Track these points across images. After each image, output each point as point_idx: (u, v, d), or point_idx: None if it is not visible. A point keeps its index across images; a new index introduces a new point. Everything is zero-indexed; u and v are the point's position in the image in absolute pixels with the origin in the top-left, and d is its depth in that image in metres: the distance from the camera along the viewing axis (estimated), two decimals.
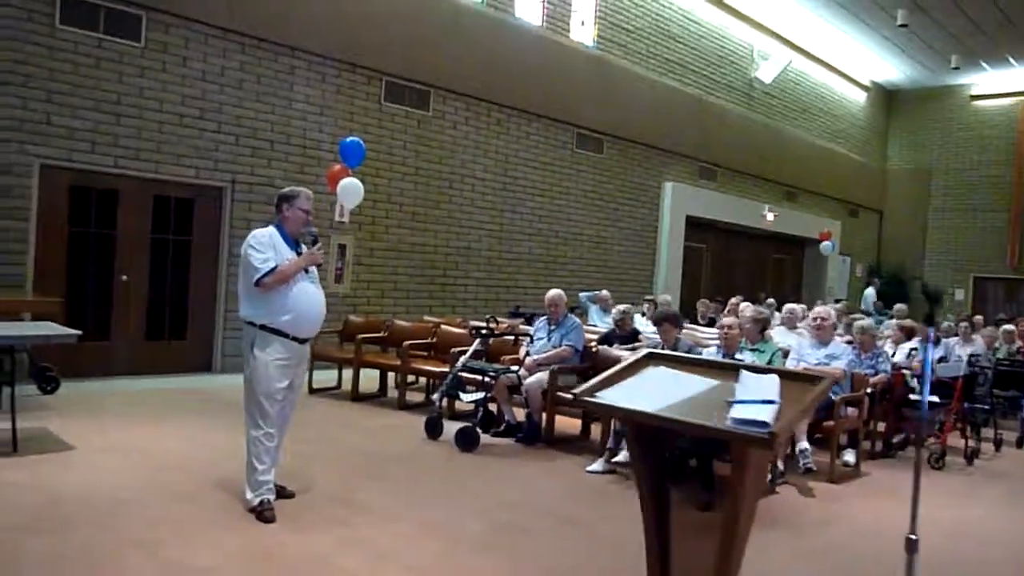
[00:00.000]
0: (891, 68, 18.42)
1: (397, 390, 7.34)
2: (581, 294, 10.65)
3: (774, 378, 2.18)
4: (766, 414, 1.98)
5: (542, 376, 6.08)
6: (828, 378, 2.31)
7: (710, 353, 5.56)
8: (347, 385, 7.65)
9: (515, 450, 5.94)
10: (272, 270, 3.99)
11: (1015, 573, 4.27)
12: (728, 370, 2.38)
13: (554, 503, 4.72)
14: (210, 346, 8.38)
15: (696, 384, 2.24)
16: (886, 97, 20.30)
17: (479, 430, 5.80)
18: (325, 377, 7.77)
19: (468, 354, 6.20)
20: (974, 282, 19.06)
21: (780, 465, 5.39)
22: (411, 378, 7.46)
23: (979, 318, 11.71)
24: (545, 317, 6.53)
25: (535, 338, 6.34)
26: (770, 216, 15.95)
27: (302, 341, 4.20)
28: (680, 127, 13.80)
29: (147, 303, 7.95)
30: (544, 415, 6.17)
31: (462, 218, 10.59)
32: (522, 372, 6.06)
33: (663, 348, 5.81)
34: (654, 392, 2.19)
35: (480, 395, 5.88)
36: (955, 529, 4.80)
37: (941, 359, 7.67)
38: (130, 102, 7.54)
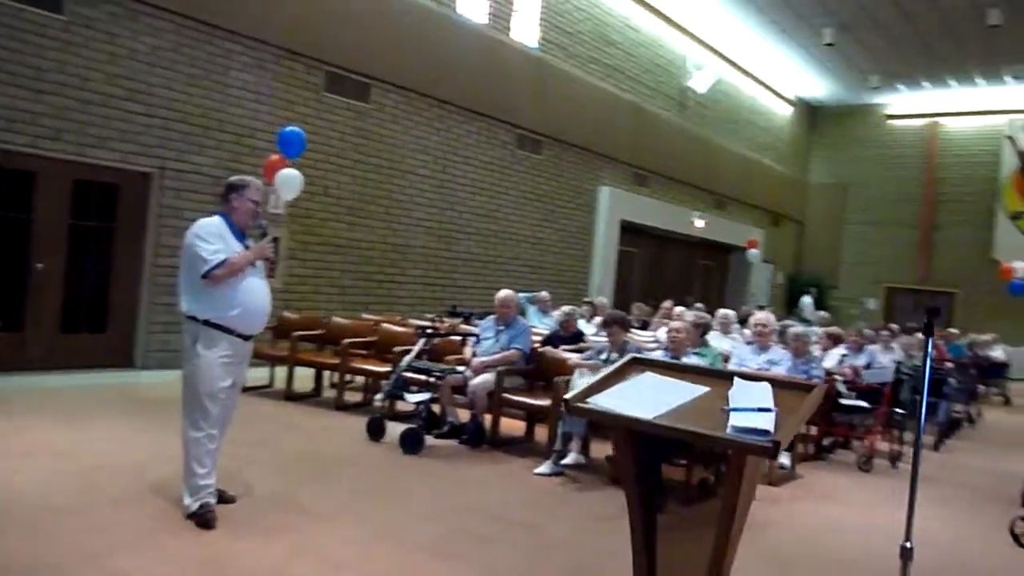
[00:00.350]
0: (815, 84, 19.13)
1: (335, 390, 7.11)
2: (519, 295, 10.58)
3: (766, 386, 2.16)
4: (765, 422, 1.95)
5: (488, 377, 5.99)
6: (821, 387, 2.30)
7: (656, 356, 5.56)
8: (280, 384, 7.38)
9: (460, 452, 5.83)
10: (222, 262, 3.77)
11: (961, 573, 4.43)
12: (714, 377, 2.35)
13: (506, 507, 4.64)
14: (131, 340, 7.94)
15: (687, 391, 2.20)
16: (809, 112, 21.09)
17: (424, 432, 5.67)
18: (256, 375, 7.44)
19: (412, 354, 6.05)
20: (886, 292, 19.97)
21: (722, 467, 5.46)
22: (347, 377, 7.25)
23: (895, 326, 12.25)
24: (492, 317, 6.44)
25: (482, 338, 6.24)
26: (700, 223, 16.33)
27: (247, 338, 4.00)
28: (617, 132, 13.96)
29: (64, 293, 7.45)
30: (489, 416, 6.08)
31: (400, 214, 10.39)
32: (468, 373, 5.95)
33: (610, 351, 5.83)
34: (648, 399, 2.14)
35: (425, 396, 5.74)
36: (899, 531, 4.96)
37: (867, 366, 7.97)
38: (52, 79, 7.05)
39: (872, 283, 20.19)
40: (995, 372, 12.15)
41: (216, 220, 3.92)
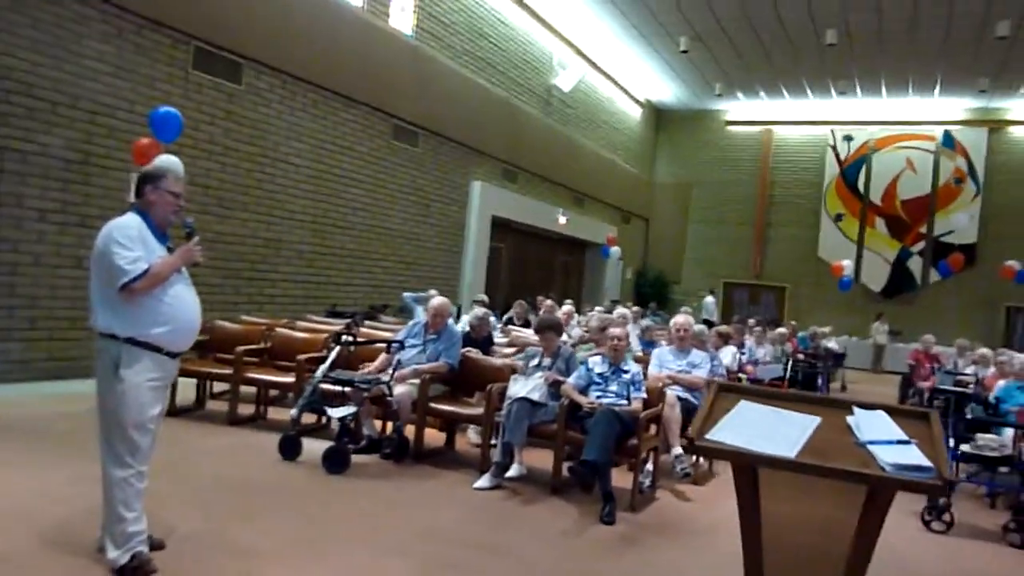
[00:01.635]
0: (665, 88, 20.02)
1: (216, 401, 6.39)
2: (405, 294, 10.17)
3: (883, 415, 2.05)
4: (916, 456, 1.83)
5: (412, 387, 5.62)
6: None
7: (595, 362, 5.45)
8: None
9: (386, 469, 5.41)
10: (145, 272, 3.17)
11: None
12: (805, 403, 2.22)
13: (464, 529, 4.33)
14: None
15: (800, 421, 2.05)
16: (656, 115, 22.05)
17: (349, 449, 5.20)
18: None
19: (328, 363, 5.53)
20: (724, 287, 21.35)
21: (650, 467, 5.45)
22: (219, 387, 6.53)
23: (752, 321, 13.05)
24: (418, 323, 6.05)
25: (406, 344, 5.83)
26: (563, 219, 16.57)
27: (176, 355, 3.41)
28: (489, 127, 13.81)
29: None
30: (411, 428, 5.70)
31: (274, 207, 9.61)
32: (393, 383, 5.54)
33: (543, 356, 5.65)
34: (768, 432, 1.96)
35: (350, 410, 5.26)
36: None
37: (752, 362, 8.36)
38: None
39: (711, 278, 21.49)
40: (837, 361, 13.29)
41: (133, 220, 3.29)
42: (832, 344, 14.44)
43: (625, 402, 5.18)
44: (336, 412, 5.22)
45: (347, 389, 5.46)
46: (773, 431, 1.97)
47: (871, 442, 1.90)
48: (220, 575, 3.35)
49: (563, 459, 5.25)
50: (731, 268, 21.28)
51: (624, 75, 18.75)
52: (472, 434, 6.46)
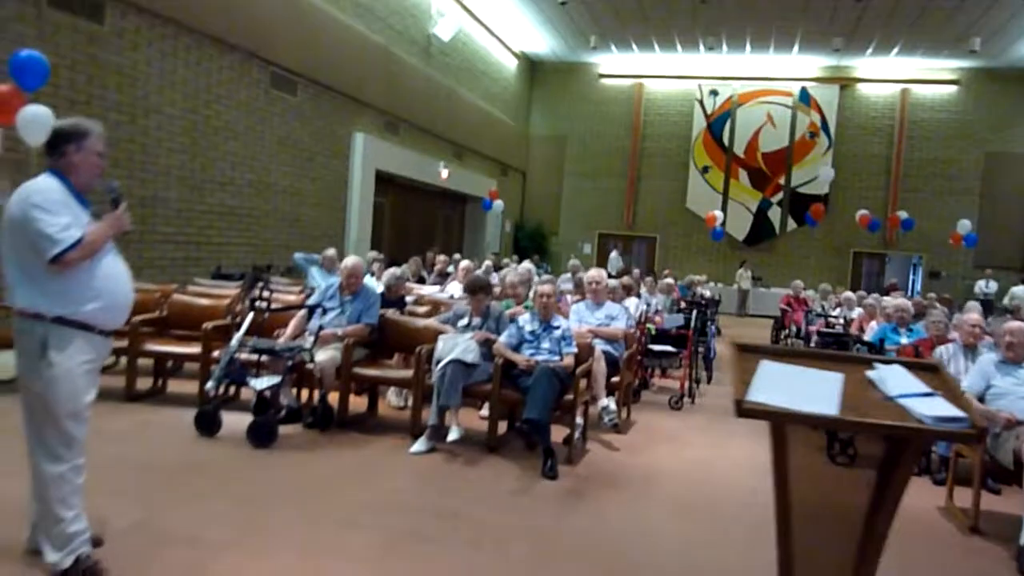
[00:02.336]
0: (540, 40, 19.96)
1: (125, 377, 5.86)
2: (295, 255, 9.71)
3: (900, 368, 2.14)
4: (947, 407, 1.93)
5: (335, 353, 5.38)
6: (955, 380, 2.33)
7: (525, 320, 5.43)
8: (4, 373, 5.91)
9: (313, 439, 5.18)
10: (79, 241, 2.80)
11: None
12: (810, 358, 2.29)
13: (413, 496, 4.23)
14: None
15: (827, 379, 2.11)
16: (530, 67, 22.00)
17: (276, 422, 4.93)
18: None
19: (242, 331, 5.18)
20: (599, 237, 21.92)
21: (580, 421, 5.54)
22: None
23: (636, 272, 13.48)
24: (333, 284, 5.76)
25: (325, 308, 5.54)
26: (445, 173, 16.32)
27: (109, 334, 3.07)
28: (369, 76, 13.25)
29: None
30: (335, 395, 5.48)
31: (146, 162, 8.80)
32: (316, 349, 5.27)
33: (471, 316, 5.56)
34: (804, 391, 2.01)
35: (275, 379, 4.96)
36: (752, 466, 5.47)
37: (655, 312, 8.65)
38: None
39: (587, 229, 21.98)
40: (714, 308, 13.99)
41: (54, 183, 2.89)
42: (707, 292, 15.21)
43: (558, 358, 5.21)
44: (259, 383, 4.91)
45: (265, 358, 5.16)
46: (807, 390, 2.01)
47: (901, 396, 1.98)
48: (173, 569, 3.10)
49: (498, 418, 5.23)
50: (605, 219, 21.84)
51: (500, 25, 18.52)
52: (392, 397, 6.32)
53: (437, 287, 9.63)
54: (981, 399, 4.61)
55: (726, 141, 20.68)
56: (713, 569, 3.60)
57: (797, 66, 19.77)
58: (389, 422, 5.83)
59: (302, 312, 5.64)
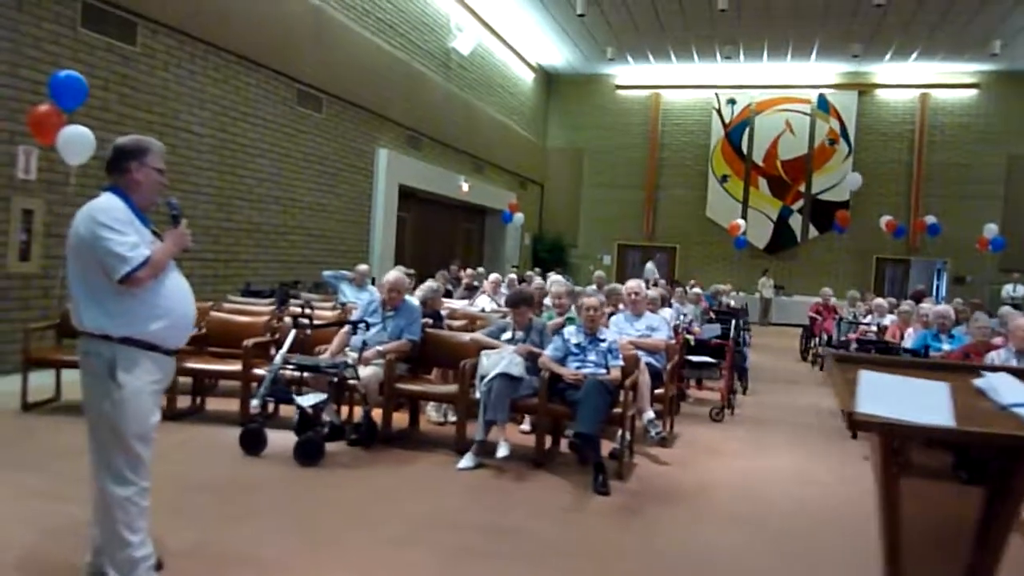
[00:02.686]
0: (556, 53, 20.00)
1: (164, 396, 5.83)
2: (324, 272, 9.70)
3: (1008, 376, 2.07)
4: None
5: (378, 368, 5.34)
6: None
7: (571, 332, 5.37)
8: (70, 394, 5.92)
9: (358, 456, 5.13)
10: (146, 260, 2.77)
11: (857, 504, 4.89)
12: (909, 367, 2.21)
13: (466, 513, 4.17)
14: None
15: (935, 389, 2.04)
16: (547, 79, 22.04)
17: (323, 440, 4.88)
18: (36, 385, 5.90)
19: (286, 347, 5.16)
20: (618, 248, 21.85)
21: (627, 436, 5.46)
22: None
23: (663, 282, 13.39)
24: (374, 300, 5.73)
25: (369, 324, 5.50)
26: (465, 187, 16.33)
27: (173, 354, 3.03)
28: (391, 92, 13.31)
29: None
30: (378, 412, 5.44)
31: (177, 179, 8.81)
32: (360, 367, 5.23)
33: (514, 330, 5.51)
34: (912, 402, 1.94)
35: (321, 397, 4.92)
36: (798, 476, 5.37)
37: (689, 323, 8.55)
38: None
39: (606, 240, 21.93)
40: (745, 317, 13.88)
41: (117, 202, 2.85)
42: (731, 301, 15.10)
43: (604, 371, 5.14)
44: (306, 400, 4.87)
45: (308, 375, 5.13)
46: (916, 400, 1.94)
47: (1017, 405, 1.91)
48: None
49: (546, 433, 5.16)
50: (625, 230, 21.77)
51: (517, 39, 18.57)
52: (432, 412, 6.26)
53: (466, 301, 9.60)
54: None
55: (745, 149, 20.60)
56: None
57: (815, 73, 19.69)
58: (431, 437, 5.77)
59: (345, 328, 5.60)
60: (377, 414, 5.42)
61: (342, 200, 12.33)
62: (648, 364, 5.84)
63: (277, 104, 10.53)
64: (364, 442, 5.28)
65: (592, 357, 5.22)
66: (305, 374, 5.10)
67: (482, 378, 5.13)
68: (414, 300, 6.03)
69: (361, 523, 3.89)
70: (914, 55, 17.85)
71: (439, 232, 16.89)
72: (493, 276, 9.85)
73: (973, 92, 18.93)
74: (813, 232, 20.13)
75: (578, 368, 5.15)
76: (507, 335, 5.47)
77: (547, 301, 6.88)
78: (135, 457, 2.84)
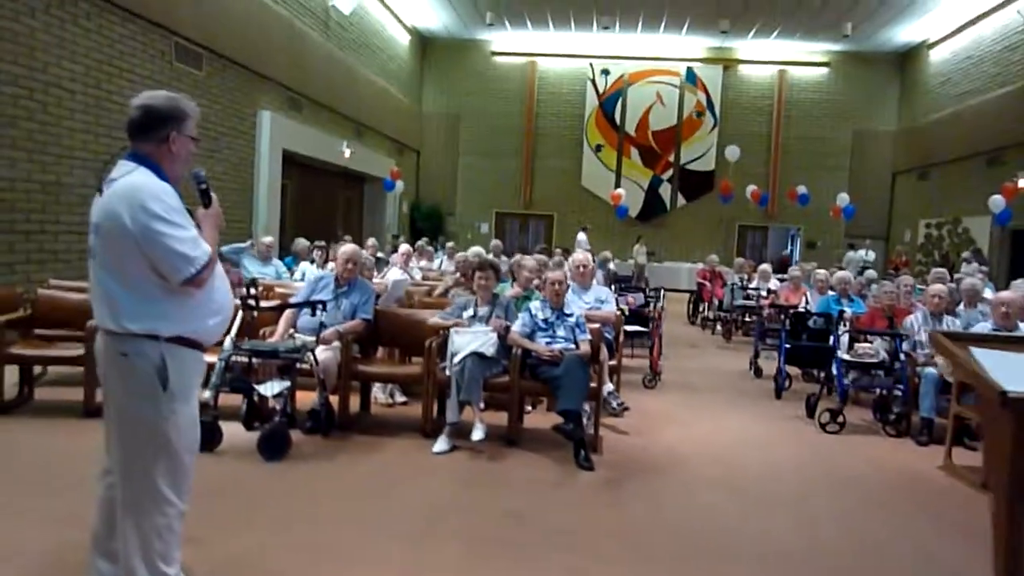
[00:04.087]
0: (433, 16, 19.45)
1: (82, 390, 5.17)
2: (222, 248, 8.94)
3: None
4: None
5: (335, 350, 5.00)
6: None
7: (537, 307, 5.25)
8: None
9: (321, 445, 4.80)
10: (211, 259, 2.41)
11: (799, 457, 5.16)
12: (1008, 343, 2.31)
13: (467, 499, 4.01)
14: None
15: None
16: (423, 43, 21.44)
17: (288, 430, 4.51)
18: None
19: (234, 331, 4.70)
20: (496, 217, 21.85)
21: (588, 408, 5.45)
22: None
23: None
24: (325, 276, 5.33)
25: (326, 304, 5.11)
26: (347, 152, 15.65)
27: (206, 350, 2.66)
28: (273, 50, 12.42)
29: None
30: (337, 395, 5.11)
31: (48, 142, 7.80)
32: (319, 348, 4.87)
33: (477, 305, 5.32)
34: None
35: (286, 384, 4.53)
36: (753, 440, 5.60)
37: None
38: None
39: (484, 208, 21.85)
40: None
41: (164, 184, 2.39)
42: (613, 267, 15.53)
43: (574, 346, 5.09)
44: (268, 389, 4.47)
45: (257, 361, 4.70)
46: None
47: None
48: None
49: (519, 412, 5.06)
50: (503, 198, 21.77)
51: None
52: (379, 393, 5.97)
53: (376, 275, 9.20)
54: None
55: (618, 120, 21.09)
56: (789, 541, 3.62)
57: (685, 47, 20.42)
58: (388, 420, 5.52)
59: (289, 310, 5.19)
60: (334, 399, 5.10)
61: (224, 166, 11.42)
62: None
63: (155, 59, 9.52)
64: (322, 429, 4.94)
65: (561, 332, 5.15)
66: (260, 360, 4.67)
67: (452, 357, 4.94)
68: (363, 279, 5.68)
69: (364, 520, 3.63)
70: (775, 33, 18.90)
71: (320, 200, 16.11)
72: (404, 247, 9.49)
73: (824, 71, 20.37)
74: (681, 200, 21.04)
75: (548, 344, 5.07)
76: (469, 312, 5.27)
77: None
78: (183, 473, 2.47)
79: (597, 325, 5.50)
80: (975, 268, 12.85)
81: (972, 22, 16.24)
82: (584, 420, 5.13)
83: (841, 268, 13.68)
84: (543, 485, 4.30)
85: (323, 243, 9.29)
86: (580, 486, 4.34)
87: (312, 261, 8.86)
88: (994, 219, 13.61)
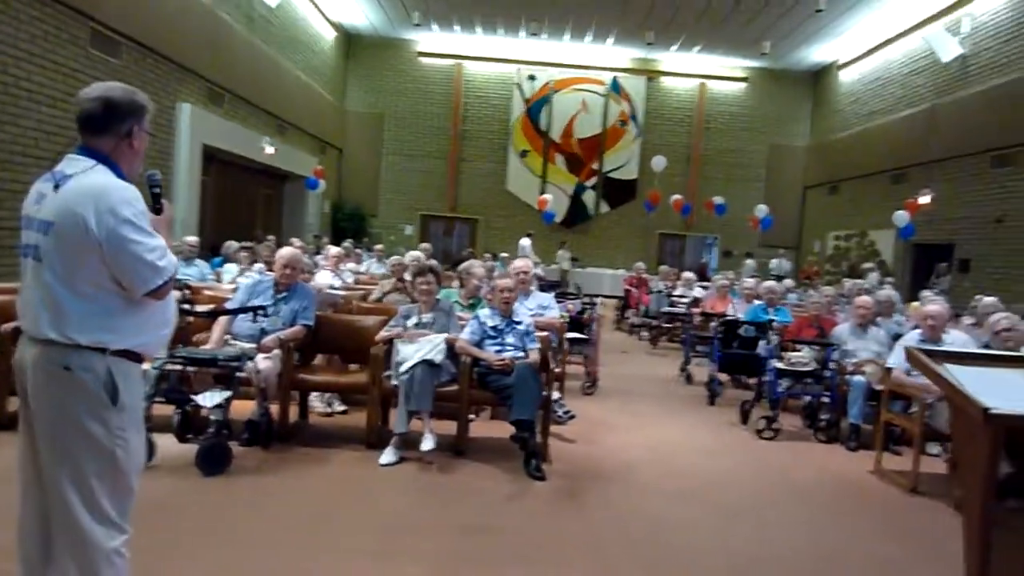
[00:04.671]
0: (359, 13, 19.10)
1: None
2: None
3: None
4: None
5: (277, 358, 4.79)
6: None
7: (486, 315, 5.18)
8: None
9: (262, 458, 4.58)
10: (176, 269, 2.28)
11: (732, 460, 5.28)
12: (980, 360, 2.41)
13: (424, 513, 3.89)
14: None
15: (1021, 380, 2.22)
16: (347, 40, 21.02)
17: (228, 443, 4.28)
18: None
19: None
20: (421, 219, 21.63)
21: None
22: None
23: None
24: (263, 280, 5.10)
25: (267, 310, 4.88)
26: (270, 149, 15.17)
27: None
28: (195, 41, 11.92)
29: None
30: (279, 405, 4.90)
31: None
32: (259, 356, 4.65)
33: (420, 312, 5.20)
34: (1018, 394, 2.09)
35: (226, 394, 4.29)
36: (695, 446, 5.69)
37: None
38: None
39: (409, 211, 21.59)
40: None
41: (131, 187, 2.20)
42: (539, 271, 15.62)
43: (523, 354, 5.05)
44: (207, 399, 4.23)
45: (191, 370, 4.45)
46: (1019, 393, 2.10)
47: None
48: None
49: (468, 421, 4.97)
50: (427, 200, 21.57)
51: None
52: (316, 403, 5.76)
53: None
54: (908, 374, 5.16)
55: (544, 126, 21.24)
56: (752, 550, 3.68)
57: (610, 56, 20.76)
58: (328, 431, 5.33)
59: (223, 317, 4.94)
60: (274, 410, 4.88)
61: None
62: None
63: (68, 45, 8.95)
64: (262, 441, 4.73)
65: (510, 340, 5.10)
66: (196, 369, 4.42)
67: (398, 365, 4.81)
68: (305, 284, 5.46)
69: (317, 537, 3.48)
70: (698, 48, 19.45)
71: (240, 198, 15.55)
72: (334, 249, 9.25)
73: (743, 85, 21.10)
74: (605, 208, 21.37)
75: (498, 352, 5.00)
76: (412, 320, 5.15)
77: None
78: (129, 496, 2.28)
79: (546, 333, 5.47)
80: (876, 277, 13.60)
81: (881, 46, 17.16)
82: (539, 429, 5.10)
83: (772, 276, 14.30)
84: (498, 496, 4.23)
85: (249, 244, 8.93)
86: (536, 497, 4.29)
87: (237, 263, 8.50)
88: (898, 233, 14.39)
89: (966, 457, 2.28)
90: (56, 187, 2.19)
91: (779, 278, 15.72)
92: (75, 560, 2.21)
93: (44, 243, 2.19)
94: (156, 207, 2.36)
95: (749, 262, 17.88)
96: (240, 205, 15.48)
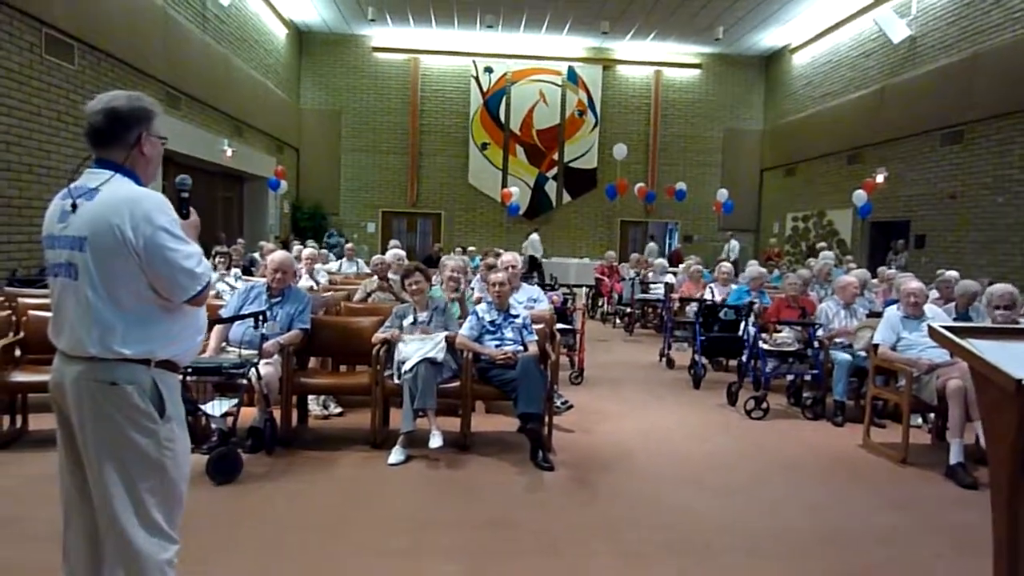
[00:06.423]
0: (311, 9, 18.82)
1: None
2: None
3: None
4: None
5: (277, 363, 4.76)
6: None
7: (483, 310, 5.21)
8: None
9: (269, 463, 4.55)
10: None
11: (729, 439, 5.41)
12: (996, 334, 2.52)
13: (444, 510, 3.93)
14: None
15: None
16: (299, 37, 20.70)
17: (238, 451, 4.25)
18: None
19: None
20: (383, 216, 21.47)
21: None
22: None
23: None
24: (256, 285, 5.04)
25: (266, 316, 4.82)
26: (229, 151, 14.91)
27: None
28: (150, 44, 11.63)
29: None
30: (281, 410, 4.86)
31: None
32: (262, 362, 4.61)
33: (415, 312, 5.20)
34: None
35: (233, 402, 4.25)
36: (688, 431, 5.80)
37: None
38: None
39: (370, 208, 21.42)
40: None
41: (162, 196, 2.20)
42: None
43: (522, 348, 5.09)
44: (215, 407, 4.18)
45: (192, 379, 4.39)
46: None
47: None
48: None
49: (470, 416, 5.00)
50: (388, 197, 21.42)
51: None
52: (313, 406, 5.73)
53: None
54: (893, 349, 5.35)
55: (502, 118, 21.23)
56: (762, 528, 3.80)
57: (566, 46, 20.83)
58: (329, 433, 5.32)
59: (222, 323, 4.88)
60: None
61: None
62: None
63: (22, 51, 8.66)
64: (265, 447, 4.69)
65: (509, 334, 5.14)
66: (198, 377, 4.35)
67: (400, 365, 4.82)
68: (300, 288, 5.42)
69: (342, 539, 3.48)
70: (652, 35, 19.64)
71: (198, 202, 15.13)
72: (307, 251, 9.14)
73: (697, 72, 21.37)
74: (566, 197, 21.49)
75: (497, 346, 5.04)
76: (408, 319, 5.14)
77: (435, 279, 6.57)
78: (178, 505, 2.30)
79: (542, 325, 5.52)
80: (832, 255, 13.96)
81: (831, 29, 17.56)
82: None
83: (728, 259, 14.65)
84: (513, 489, 4.28)
85: (225, 249, 8.77)
86: (549, 488, 4.35)
87: (214, 269, 8.35)
88: (856, 212, 14.80)
89: (994, 430, 2.38)
90: (75, 205, 2.15)
91: (733, 262, 16.08)
92: (128, 575, 2.19)
93: (80, 259, 2.16)
94: (184, 212, 2.35)
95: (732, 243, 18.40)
96: (199, 208, 15.07)
